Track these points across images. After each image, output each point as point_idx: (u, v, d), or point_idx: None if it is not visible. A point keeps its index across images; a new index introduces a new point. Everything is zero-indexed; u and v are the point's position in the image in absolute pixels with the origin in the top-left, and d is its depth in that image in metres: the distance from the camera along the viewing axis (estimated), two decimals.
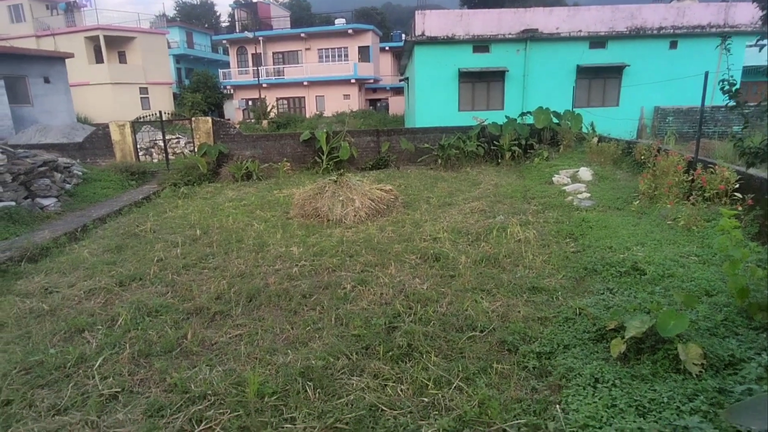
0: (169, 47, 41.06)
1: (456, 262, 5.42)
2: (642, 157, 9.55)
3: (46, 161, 9.29)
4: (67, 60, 25.26)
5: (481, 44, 18.97)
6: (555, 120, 13.74)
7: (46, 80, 23.46)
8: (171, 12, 72.91)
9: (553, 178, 10.03)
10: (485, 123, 13.94)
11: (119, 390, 3.30)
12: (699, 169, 6.95)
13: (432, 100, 19.13)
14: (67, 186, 9.80)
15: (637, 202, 7.38)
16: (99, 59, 34.78)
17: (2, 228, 7.19)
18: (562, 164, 11.24)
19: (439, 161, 13.27)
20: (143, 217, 8.48)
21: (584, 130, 13.59)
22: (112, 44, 35.42)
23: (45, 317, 4.54)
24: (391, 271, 5.25)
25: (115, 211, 8.97)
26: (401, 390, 3.08)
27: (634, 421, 2.46)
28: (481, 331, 3.79)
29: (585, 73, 19.13)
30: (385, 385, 3.14)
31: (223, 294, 4.87)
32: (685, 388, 2.66)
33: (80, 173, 10.72)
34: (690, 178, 7.08)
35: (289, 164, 13.16)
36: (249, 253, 6.17)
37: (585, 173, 9.91)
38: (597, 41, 19.01)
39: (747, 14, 18.52)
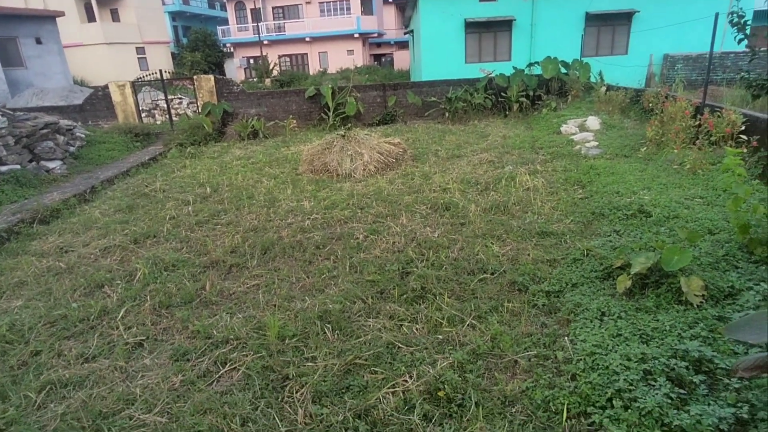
0: (164, 3, 39.78)
1: (466, 210, 5.48)
2: (650, 105, 9.39)
3: (48, 123, 9.25)
4: (58, 19, 24.54)
5: None
6: (563, 70, 13.44)
7: (38, 41, 22.83)
8: None
9: (561, 128, 9.93)
10: (492, 75, 13.65)
11: (144, 338, 3.46)
12: (706, 114, 6.85)
13: (438, 53, 18.62)
14: (71, 149, 9.80)
15: (645, 148, 7.33)
16: (91, 17, 33.77)
17: (10, 191, 7.25)
18: (570, 114, 11.10)
19: (447, 114, 13.11)
20: (152, 178, 8.54)
21: (593, 79, 13.31)
22: (103, 1, 34.34)
23: (63, 275, 4.68)
24: (402, 221, 5.33)
25: (123, 172, 9.02)
26: (416, 329, 3.22)
27: (638, 347, 2.58)
28: (492, 274, 3.90)
29: (594, 20, 18.44)
30: (401, 325, 3.28)
31: (237, 248, 4.98)
32: (686, 317, 2.78)
33: (83, 135, 10.70)
34: (697, 123, 7.00)
35: (295, 121, 13.05)
36: (261, 209, 6.25)
37: (593, 122, 9.79)
38: None
39: None
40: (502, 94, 13.34)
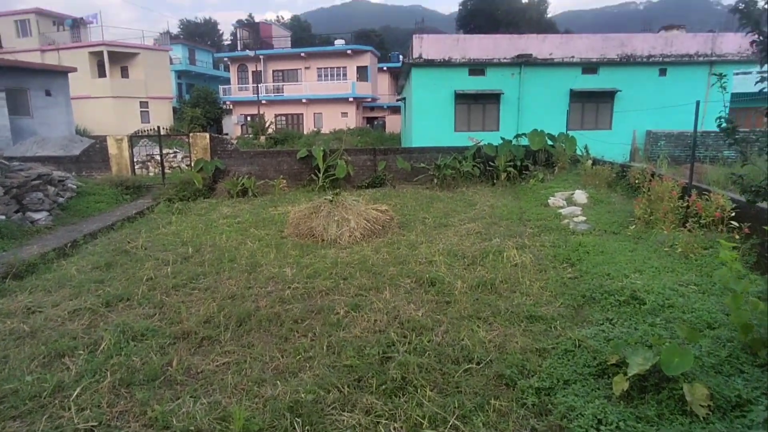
0: (172, 63, 41.39)
1: (452, 287, 5.32)
2: (636, 181, 9.55)
3: (41, 174, 9.18)
4: (69, 74, 25.38)
5: (476, 67, 19.26)
6: (550, 142, 13.83)
7: (48, 93, 23.53)
8: (175, 30, 73.76)
9: (548, 201, 10.00)
10: (481, 144, 14.00)
11: (96, 424, 3.13)
12: (694, 195, 6.93)
13: (428, 121, 19.28)
14: (60, 200, 9.67)
15: (633, 226, 7.33)
16: (102, 74, 34.99)
17: None
18: (557, 186, 11.24)
19: (435, 181, 13.26)
20: (135, 233, 8.35)
21: (578, 152, 13.68)
22: (116, 59, 35.67)
23: (25, 339, 4.38)
24: (385, 296, 5.14)
25: (108, 226, 8.84)
26: (394, 429, 2.94)
27: None
28: (478, 363, 3.67)
29: (578, 97, 19.41)
30: (378, 422, 3.00)
31: (212, 317, 4.73)
32: None
33: (74, 186, 10.60)
34: (685, 204, 7.05)
35: (285, 181, 13.11)
36: (241, 274, 6.05)
37: (580, 196, 9.89)
38: (589, 67, 19.40)
39: (734, 44, 19.12)
40: (491, 163, 13.61)
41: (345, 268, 6.12)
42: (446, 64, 19.03)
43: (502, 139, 14.07)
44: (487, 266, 6.06)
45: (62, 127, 24.05)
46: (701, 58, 19.12)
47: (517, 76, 19.24)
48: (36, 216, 8.51)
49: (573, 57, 19.19)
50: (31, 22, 36.52)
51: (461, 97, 19.28)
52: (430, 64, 18.99)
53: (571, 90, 19.28)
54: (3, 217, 7.73)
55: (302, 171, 13.79)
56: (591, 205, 9.28)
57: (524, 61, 18.95)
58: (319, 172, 13.35)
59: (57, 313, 4.95)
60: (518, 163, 13.52)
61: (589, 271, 5.51)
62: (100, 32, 37.86)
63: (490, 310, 4.68)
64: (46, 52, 35.60)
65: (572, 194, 10.10)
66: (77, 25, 38.34)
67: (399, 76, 29.25)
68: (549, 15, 67.79)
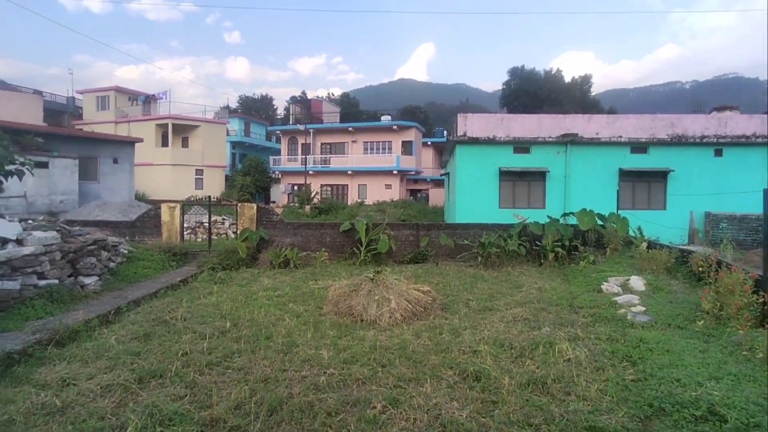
0: (228, 134, 44.47)
1: (498, 383, 4.88)
2: (700, 269, 8.88)
3: (97, 240, 9.60)
4: (136, 143, 27.74)
5: (521, 145, 19.39)
6: (600, 222, 13.35)
7: (115, 161, 25.63)
8: (234, 104, 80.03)
9: (601, 286, 9.40)
10: (526, 221, 13.70)
11: None
12: None
13: (472, 197, 19.26)
14: (111, 264, 10.02)
15: (702, 322, 6.66)
16: (165, 143, 37.97)
17: (40, 307, 7.23)
18: (610, 270, 10.64)
19: (479, 259, 12.91)
20: (177, 303, 8.42)
21: (631, 233, 13.08)
22: (178, 131, 38.76)
23: (55, 416, 4.28)
24: (426, 390, 4.76)
25: (152, 293, 8.99)
26: None
27: None
28: None
29: (628, 176, 18.97)
30: None
31: (243, 403, 4.50)
32: None
33: (126, 251, 11.03)
34: (761, 300, 6.40)
35: (327, 254, 13.15)
36: (276, 354, 5.85)
37: (637, 282, 9.26)
38: (638, 147, 19.14)
39: None
40: (537, 242, 13.21)
41: (384, 354, 5.80)
42: (490, 141, 19.29)
43: (549, 217, 13.74)
44: (536, 360, 5.58)
45: (124, 192, 25.83)
46: (759, 140, 18.45)
47: (563, 154, 19.16)
48: (86, 281, 8.79)
49: (620, 137, 19.03)
50: (110, 98, 40.80)
51: (506, 174, 19.28)
52: (474, 141, 19.30)
53: (620, 169, 18.92)
54: (56, 281, 8.01)
55: (344, 244, 13.84)
56: (650, 294, 8.64)
57: (570, 140, 18.94)
58: (362, 246, 13.35)
59: (90, 387, 4.87)
60: (566, 243, 13.04)
61: (655, 373, 4.94)
62: (168, 107, 41.60)
63: (543, 415, 4.20)
64: (119, 123, 39.25)
65: (628, 280, 9.49)
66: (149, 100, 42.42)
67: (443, 151, 29.92)
68: (593, 93, 68.80)
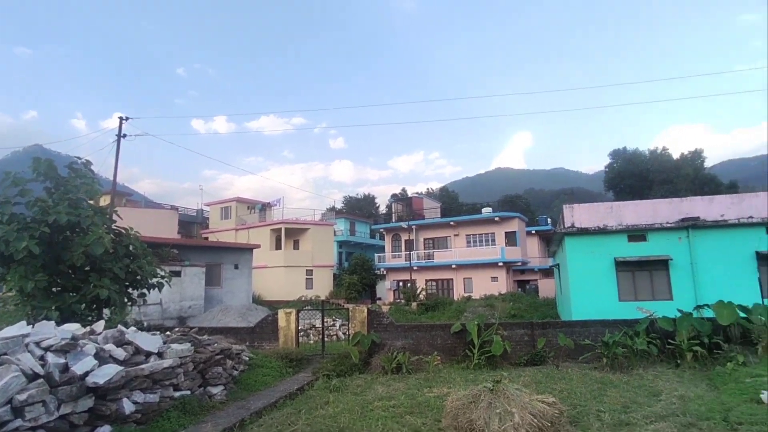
0: (335, 234, 47.20)
1: None
2: None
3: (223, 350, 10.18)
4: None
5: (636, 233, 17.86)
6: (742, 314, 11.47)
7: (236, 266, 28.02)
8: (339, 204, 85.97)
9: (761, 395, 7.68)
10: (653, 316, 12.16)
11: None
12: None
13: (588, 290, 17.69)
14: (235, 373, 10.46)
15: None
16: (278, 246, 41.18)
17: (174, 418, 7.58)
18: (766, 374, 8.76)
19: (604, 360, 11.49)
20: (295, 414, 8.39)
21: None
22: (290, 234, 42.05)
23: None
24: None
25: (272, 403, 9.10)
26: None
27: None
28: None
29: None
30: None
31: None
32: None
33: (247, 359, 11.53)
34: None
35: (439, 357, 12.59)
36: None
37: None
38: None
39: None
40: (669, 340, 11.57)
41: None
42: (602, 231, 18.03)
43: (680, 311, 12.08)
44: None
45: (242, 295, 27.87)
46: None
47: (685, 240, 17.19)
48: (214, 390, 9.20)
49: (751, 217, 16.73)
50: (232, 208, 46.13)
51: (623, 265, 17.61)
52: (584, 232, 18.19)
53: (757, 252, 16.36)
54: (188, 392, 8.46)
55: (456, 345, 13.22)
56: None
57: (691, 225, 17.07)
58: (474, 348, 12.61)
59: None
60: (706, 341, 11.23)
61: None
62: (281, 212, 45.71)
63: None
64: (239, 230, 43.70)
65: None
66: (264, 208, 47.18)
67: (549, 240, 28.57)
68: (707, 167, 62.65)
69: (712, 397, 8.36)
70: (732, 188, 51.96)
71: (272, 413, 8.65)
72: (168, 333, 10.33)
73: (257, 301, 31.82)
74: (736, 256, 16.67)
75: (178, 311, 22.90)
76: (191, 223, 49.16)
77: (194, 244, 29.42)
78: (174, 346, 8.60)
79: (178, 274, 22.66)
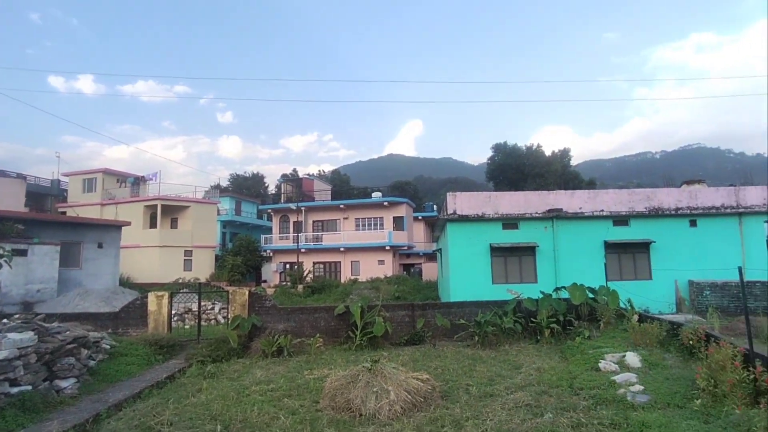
0: (219, 214, 44.65)
1: None
2: (690, 342, 8.98)
3: (77, 338, 9.22)
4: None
5: (510, 222, 20.01)
6: (591, 295, 13.52)
7: (100, 246, 24.98)
8: (225, 182, 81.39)
9: (599, 364, 9.32)
10: (520, 296, 13.78)
11: None
12: (759, 367, 6.33)
13: (466, 273, 19.45)
14: (91, 363, 9.57)
15: (699, 400, 6.61)
16: (153, 225, 37.79)
17: (11, 418, 6.74)
18: (605, 345, 10.63)
19: (476, 338, 12.77)
20: (163, 404, 8.04)
21: (622, 305, 13.21)
22: (168, 212, 38.82)
23: None
24: None
25: (135, 394, 8.57)
26: None
27: None
28: None
29: (613, 248, 19.55)
30: None
31: None
32: None
33: (108, 347, 10.65)
34: (752, 377, 6.42)
35: (322, 339, 12.84)
36: None
37: (633, 359, 9.23)
38: (619, 220, 19.97)
39: (757, 196, 19.81)
40: (532, 318, 13.21)
41: None
42: (480, 219, 19.83)
43: (542, 292, 13.87)
44: None
45: (107, 277, 25.09)
46: (728, 210, 19.50)
47: (550, 229, 19.74)
48: (63, 384, 8.32)
49: (602, 211, 19.83)
50: (98, 180, 40.77)
51: (497, 250, 19.63)
52: (464, 219, 19.82)
53: (605, 241, 19.48)
54: (29, 387, 7.54)
55: (339, 328, 13.62)
56: (646, 370, 8.59)
57: (555, 216, 19.61)
58: (357, 330, 13.13)
59: None
60: (561, 318, 13.06)
61: None
62: (158, 188, 41.84)
63: None
64: (106, 205, 39.13)
65: (623, 356, 9.45)
66: (138, 182, 42.67)
67: (434, 226, 30.40)
68: (573, 165, 71.70)
69: (562, 367, 9.77)
70: (591, 185, 59.92)
71: (135, 405, 8.17)
72: (5, 321, 9.13)
73: (126, 284, 29.10)
74: (590, 245, 19.56)
75: (23, 296, 19.99)
76: (44, 195, 42.37)
77: (47, 219, 25.58)
78: (11, 335, 7.68)
79: (23, 253, 19.81)
